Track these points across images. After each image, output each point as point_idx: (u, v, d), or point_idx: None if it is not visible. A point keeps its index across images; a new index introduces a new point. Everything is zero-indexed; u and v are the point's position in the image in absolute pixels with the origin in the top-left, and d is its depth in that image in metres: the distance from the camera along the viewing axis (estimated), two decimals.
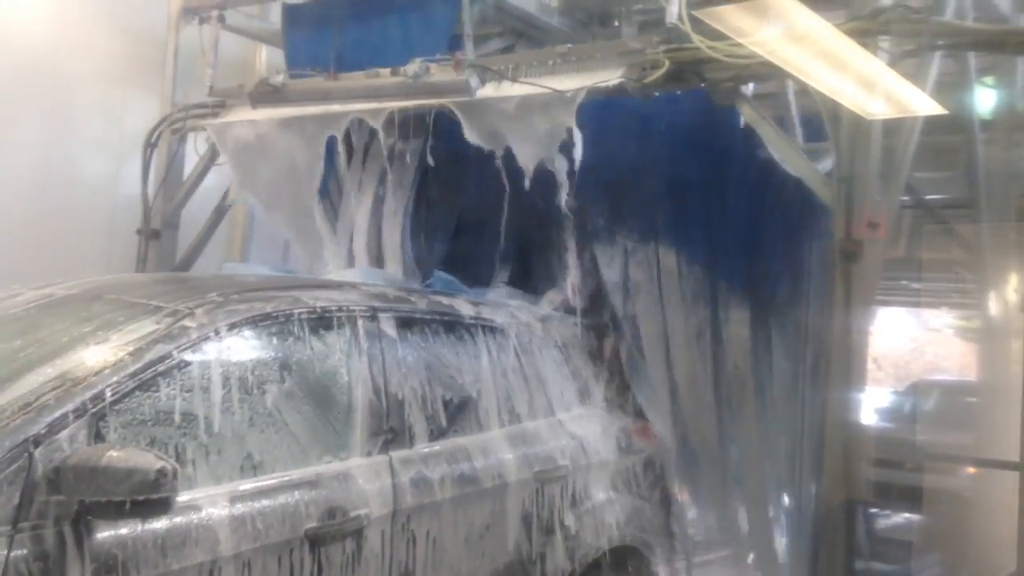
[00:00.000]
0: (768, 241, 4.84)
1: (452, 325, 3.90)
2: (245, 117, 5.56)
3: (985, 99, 5.36)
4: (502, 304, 4.46)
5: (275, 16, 6.75)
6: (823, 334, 4.21)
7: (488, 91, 4.67)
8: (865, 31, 3.88)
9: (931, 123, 4.48)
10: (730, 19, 3.75)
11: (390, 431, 3.37)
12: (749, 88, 4.41)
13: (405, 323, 3.66)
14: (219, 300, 3.18)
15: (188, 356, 2.92)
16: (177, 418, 2.82)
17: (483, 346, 4.01)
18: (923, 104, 4.22)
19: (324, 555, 3.00)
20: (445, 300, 4.03)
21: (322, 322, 3.37)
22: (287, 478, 3.02)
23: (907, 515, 5.58)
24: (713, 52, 4.03)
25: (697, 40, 4.02)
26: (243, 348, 3.13)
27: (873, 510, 4.65)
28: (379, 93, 4.89)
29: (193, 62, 6.24)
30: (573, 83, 4.46)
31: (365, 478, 3.21)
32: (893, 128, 4.25)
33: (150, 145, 6.13)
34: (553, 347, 4.47)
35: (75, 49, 6.19)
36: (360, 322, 3.47)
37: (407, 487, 3.30)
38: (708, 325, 4.86)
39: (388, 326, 3.56)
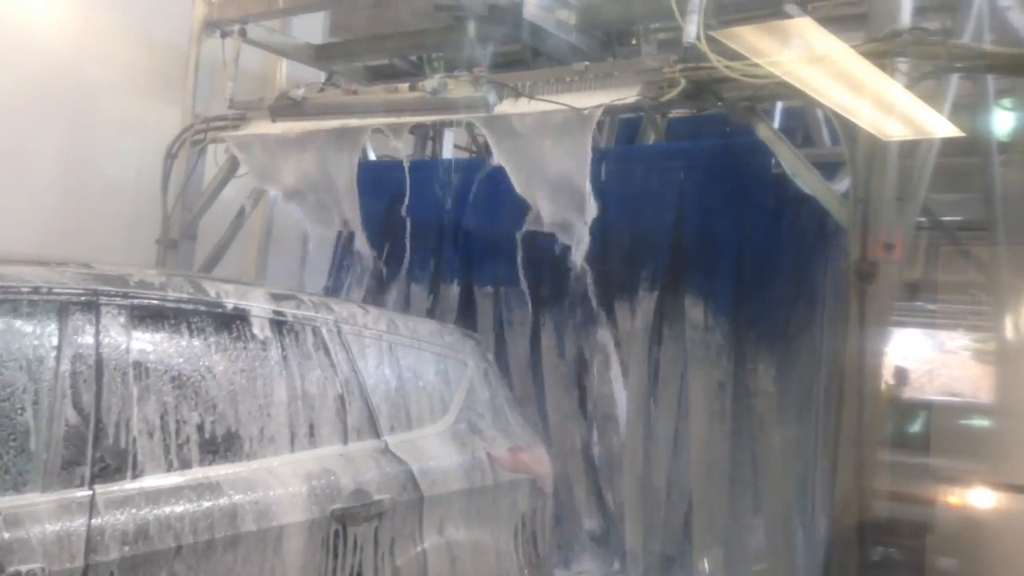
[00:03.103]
0: (786, 272, 4.84)
1: (225, 321, 3.03)
2: (264, 130, 5.62)
3: (1003, 121, 5.35)
4: (322, 298, 3.63)
5: (296, 31, 6.83)
6: (837, 356, 4.20)
7: (505, 107, 4.70)
8: (882, 53, 3.88)
9: (948, 145, 4.47)
10: (748, 39, 3.77)
11: (99, 460, 2.57)
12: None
13: (145, 316, 2.81)
14: None
15: None
16: None
17: (273, 349, 3.17)
18: (940, 126, 4.21)
19: None
20: (223, 288, 3.13)
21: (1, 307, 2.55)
22: None
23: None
24: (730, 72, 4.04)
25: (714, 59, 4.04)
26: None
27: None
28: (398, 108, 4.93)
29: (214, 75, 6.31)
30: (590, 101, 4.49)
31: (36, 521, 2.39)
32: (910, 149, 4.25)
33: (170, 156, 6.22)
34: (398, 355, 3.66)
35: (98, 61, 6.28)
36: (70, 311, 2.64)
37: (114, 533, 2.49)
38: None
39: (115, 318, 2.72)
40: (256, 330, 3.13)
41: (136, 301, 2.81)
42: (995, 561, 4.87)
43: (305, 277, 7.34)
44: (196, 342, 2.94)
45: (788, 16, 4.12)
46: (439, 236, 5.72)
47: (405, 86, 4.90)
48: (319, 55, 6.79)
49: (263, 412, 3.04)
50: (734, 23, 3.88)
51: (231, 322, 3.06)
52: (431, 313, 5.66)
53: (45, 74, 5.98)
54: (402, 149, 5.23)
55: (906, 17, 3.97)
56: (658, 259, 4.93)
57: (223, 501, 2.78)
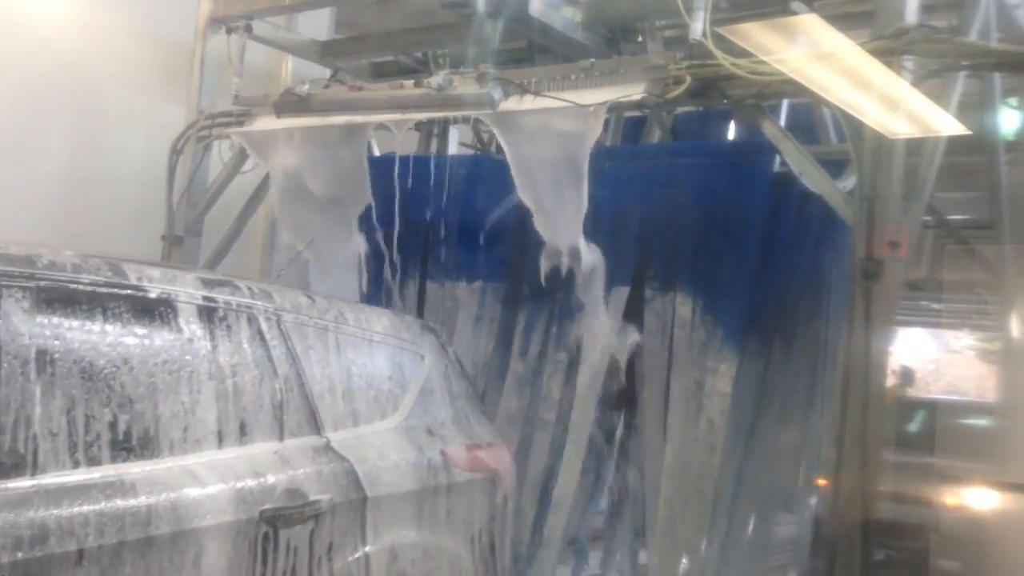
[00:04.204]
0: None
1: (146, 308, 2.81)
2: (269, 126, 5.62)
3: (1009, 120, 5.33)
4: (264, 285, 3.38)
5: (301, 27, 6.83)
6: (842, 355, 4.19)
7: (510, 104, 4.69)
8: (889, 51, 3.87)
9: (955, 143, 4.46)
10: (754, 37, 3.76)
11: None
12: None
13: (53, 300, 2.58)
14: None
15: None
16: None
17: (201, 339, 2.95)
18: (946, 124, 4.20)
19: None
20: (146, 273, 2.89)
21: None
22: None
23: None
24: (736, 69, 4.03)
25: (720, 57, 4.03)
26: None
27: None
28: (402, 104, 4.93)
29: (220, 71, 6.31)
30: (596, 98, 4.48)
31: None
32: (916, 147, 4.24)
33: (175, 152, 6.21)
34: (346, 348, 3.46)
35: (103, 57, 6.28)
36: None
37: (4, 537, 2.28)
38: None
39: (17, 303, 2.50)
40: (182, 319, 2.89)
41: (43, 284, 2.56)
42: (998, 561, 4.86)
43: (311, 274, 7.36)
44: (112, 330, 2.69)
45: (795, 13, 4.11)
46: (438, 232, 5.72)
47: (410, 83, 4.90)
48: (325, 51, 6.79)
49: (187, 407, 2.82)
50: (741, 20, 3.87)
51: (154, 309, 2.82)
52: (435, 309, 5.65)
53: (50, 70, 5.99)
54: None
55: (913, 14, 3.96)
56: (664, 257, 4.92)
57: (135, 502, 2.55)
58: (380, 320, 3.72)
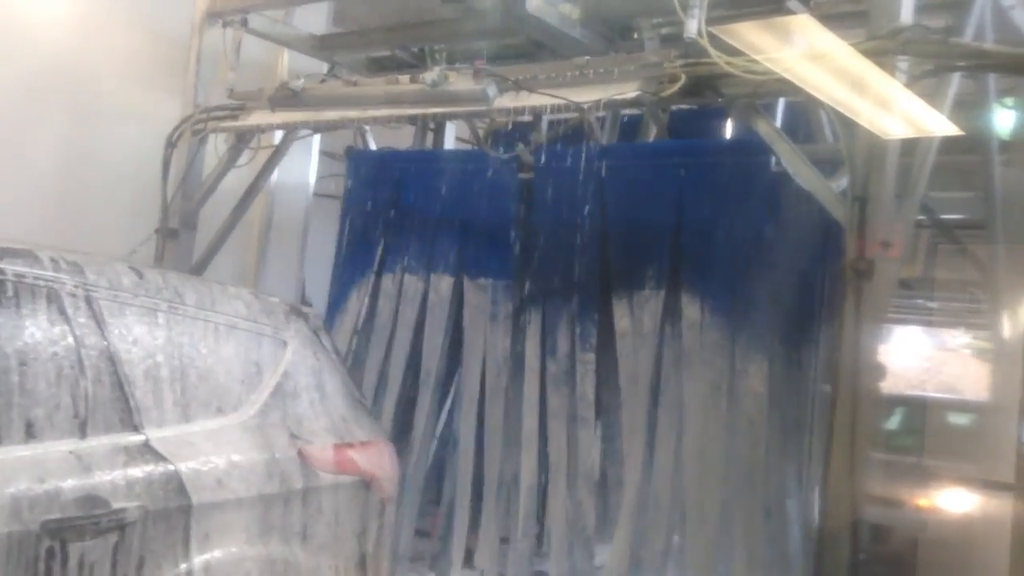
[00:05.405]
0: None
1: None
2: (264, 121, 5.62)
3: (1004, 120, 5.34)
4: (78, 257, 2.90)
5: (298, 21, 6.82)
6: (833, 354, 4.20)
7: (505, 101, 4.70)
8: (883, 51, 3.88)
9: (950, 143, 4.46)
10: (748, 36, 3.76)
11: None
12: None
13: None
14: None
15: None
16: None
17: None
18: (940, 124, 4.21)
19: None
20: None
21: None
22: None
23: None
24: (730, 68, 4.03)
25: (715, 55, 4.03)
26: None
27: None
28: (397, 100, 4.94)
29: (216, 65, 6.30)
30: (590, 95, 4.49)
31: None
32: (910, 147, 4.24)
33: (171, 145, 6.20)
34: (180, 331, 3.02)
35: (100, 50, 6.27)
36: None
37: None
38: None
39: None
40: None
41: None
42: (985, 559, 4.88)
43: (306, 266, 7.37)
44: None
45: (791, 12, 4.11)
46: (436, 226, 5.72)
47: (406, 78, 4.90)
48: (321, 45, 6.78)
49: None
50: (736, 18, 3.87)
51: None
52: (424, 304, 5.64)
53: (46, 63, 5.98)
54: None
55: (907, 15, 3.96)
56: (660, 257, 4.92)
57: None
58: (232, 302, 3.27)
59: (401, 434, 5.62)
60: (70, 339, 2.69)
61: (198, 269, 6.24)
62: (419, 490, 5.62)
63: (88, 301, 2.77)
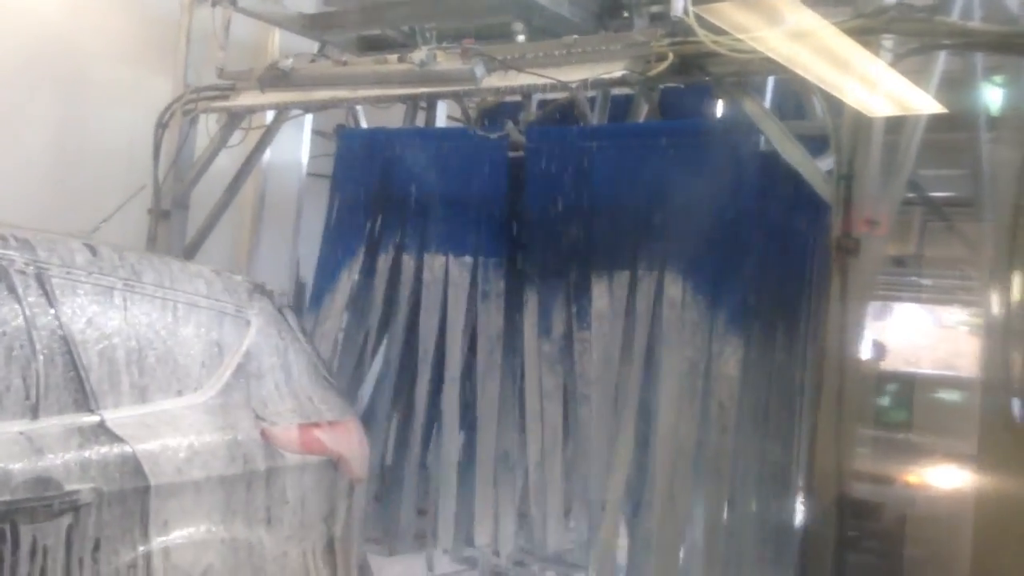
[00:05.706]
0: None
1: None
2: (254, 101, 5.62)
3: (992, 97, 5.34)
4: (30, 232, 2.84)
5: (288, 0, 6.80)
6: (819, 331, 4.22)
7: (493, 80, 4.70)
8: (868, 30, 3.89)
9: (937, 120, 4.47)
10: (734, 16, 3.77)
11: None
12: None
13: None
14: None
15: None
16: None
17: None
18: (927, 103, 4.22)
19: None
20: None
21: None
22: None
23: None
24: (717, 47, 4.04)
25: (702, 34, 4.04)
26: None
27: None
28: (386, 80, 4.94)
29: (206, 44, 6.29)
30: (578, 74, 4.50)
31: None
32: (896, 125, 4.26)
33: (162, 126, 6.20)
34: (138, 309, 2.96)
35: (89, 30, 6.25)
36: None
37: None
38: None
39: None
40: None
41: None
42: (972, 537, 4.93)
43: (299, 246, 7.38)
44: None
45: None
46: (427, 205, 5.72)
47: (394, 58, 4.90)
48: (312, 24, 6.74)
49: None
50: None
51: None
52: (416, 285, 5.66)
53: (36, 43, 5.96)
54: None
55: None
56: (649, 236, 4.93)
57: None
58: (192, 280, 3.22)
59: (404, 412, 5.66)
60: (20, 319, 2.63)
61: (191, 250, 6.25)
62: (419, 468, 5.66)
63: (39, 279, 2.70)
